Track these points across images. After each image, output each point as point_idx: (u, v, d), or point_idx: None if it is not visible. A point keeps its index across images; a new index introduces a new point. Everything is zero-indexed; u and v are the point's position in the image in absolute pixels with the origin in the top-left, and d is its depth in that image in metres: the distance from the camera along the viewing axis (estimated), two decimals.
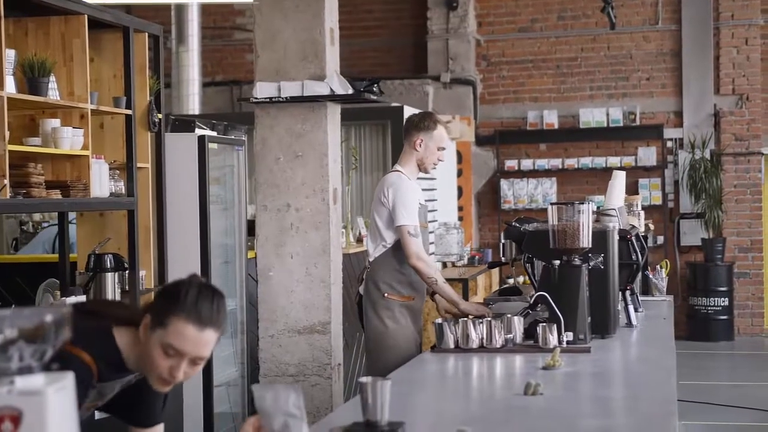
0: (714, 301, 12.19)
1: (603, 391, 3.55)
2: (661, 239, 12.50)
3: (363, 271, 5.49)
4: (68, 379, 1.78)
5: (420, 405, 3.31)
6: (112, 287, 5.37)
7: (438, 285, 5.15)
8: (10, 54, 4.68)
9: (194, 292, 2.58)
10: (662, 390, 3.36)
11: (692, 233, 12.54)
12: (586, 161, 12.69)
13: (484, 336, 4.23)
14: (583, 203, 4.41)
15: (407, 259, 5.12)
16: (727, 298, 12.21)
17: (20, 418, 1.69)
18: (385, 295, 5.22)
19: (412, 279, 5.25)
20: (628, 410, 3.19)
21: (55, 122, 4.99)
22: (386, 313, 5.21)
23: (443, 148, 5.38)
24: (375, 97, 6.08)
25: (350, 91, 5.76)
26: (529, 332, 4.32)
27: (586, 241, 4.37)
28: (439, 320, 4.37)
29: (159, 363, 2.57)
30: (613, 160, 12.53)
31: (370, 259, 5.33)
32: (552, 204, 4.45)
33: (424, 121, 5.35)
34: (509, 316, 4.35)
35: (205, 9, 12.49)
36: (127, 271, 5.54)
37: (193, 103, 10.66)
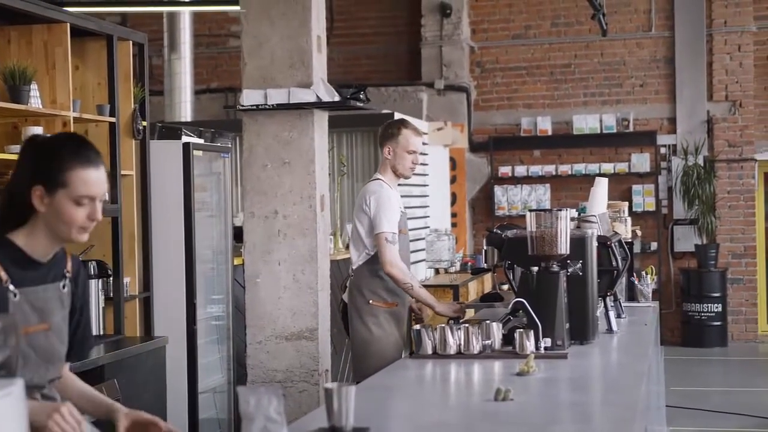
0: (707, 307, 12.19)
1: (572, 396, 3.55)
2: (654, 245, 12.51)
3: (346, 279, 5.52)
4: (16, 385, 1.80)
5: (390, 411, 3.32)
6: (96, 294, 5.38)
7: (414, 290, 5.22)
8: None
9: (71, 144, 2.72)
10: (629, 395, 3.37)
11: (686, 239, 12.54)
12: (580, 167, 12.71)
13: (462, 342, 4.25)
14: (561, 210, 4.42)
15: (382, 266, 5.19)
16: (720, 304, 12.21)
17: None
18: (370, 302, 5.29)
19: (394, 285, 5.29)
20: (593, 415, 3.20)
21: (38, 130, 5.01)
22: (371, 320, 5.26)
23: (413, 152, 5.42)
24: (361, 104, 6.10)
25: (336, 99, 5.79)
26: (509, 338, 4.33)
27: (564, 247, 4.38)
28: (417, 326, 4.39)
29: (75, 217, 2.68)
30: (607, 167, 12.55)
31: (354, 267, 5.39)
32: (530, 211, 4.47)
33: (389, 129, 5.46)
34: (488, 322, 4.36)
35: (199, 17, 12.53)
36: (111, 278, 5.56)
37: (185, 110, 10.68)
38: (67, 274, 2.83)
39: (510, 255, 4.72)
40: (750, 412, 8.58)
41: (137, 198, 5.96)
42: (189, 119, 10.67)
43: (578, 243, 4.53)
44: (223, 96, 13.12)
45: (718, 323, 12.22)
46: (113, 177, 5.63)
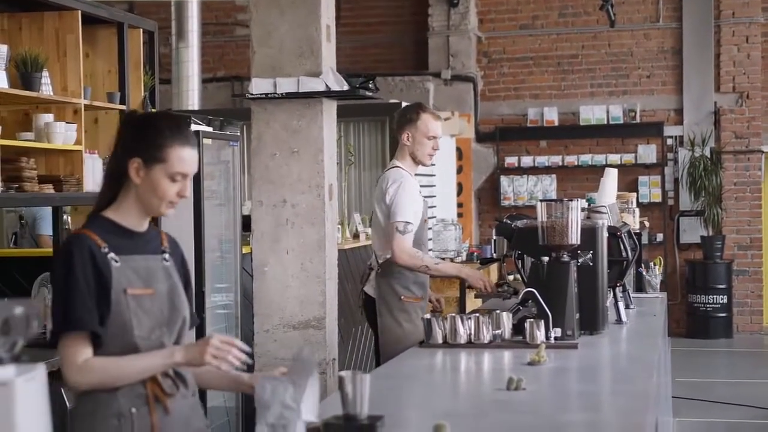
0: (713, 298, 12.20)
1: (584, 386, 3.56)
2: (660, 237, 12.50)
3: (368, 272, 5.35)
4: (38, 370, 1.80)
5: (404, 399, 3.32)
6: None
7: (432, 270, 5.08)
8: (2, 49, 4.72)
9: (172, 122, 2.86)
10: (641, 386, 3.38)
11: (692, 231, 12.54)
12: (586, 158, 12.70)
13: (472, 331, 4.25)
14: (572, 200, 4.42)
15: (392, 258, 5.05)
16: (726, 296, 12.22)
17: None
18: (402, 297, 5.14)
19: (422, 279, 5.19)
20: (606, 405, 3.21)
21: (49, 117, 5.02)
22: (403, 316, 5.12)
23: (433, 137, 5.24)
24: (370, 94, 6.09)
25: (345, 88, 5.78)
26: (519, 328, 4.34)
27: (574, 237, 4.38)
28: (428, 315, 4.39)
29: (168, 192, 2.81)
30: (613, 158, 12.54)
31: (380, 261, 5.21)
32: (541, 201, 4.46)
33: (407, 114, 5.28)
34: (498, 311, 4.37)
35: (207, 5, 12.52)
36: None
37: (192, 98, 10.67)
38: (165, 250, 2.94)
39: (520, 245, 4.72)
40: (755, 403, 8.59)
41: None
42: (196, 108, 10.66)
43: (589, 233, 4.53)
44: (229, 85, 13.13)
45: (724, 315, 12.22)
46: None
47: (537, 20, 13.04)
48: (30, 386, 1.76)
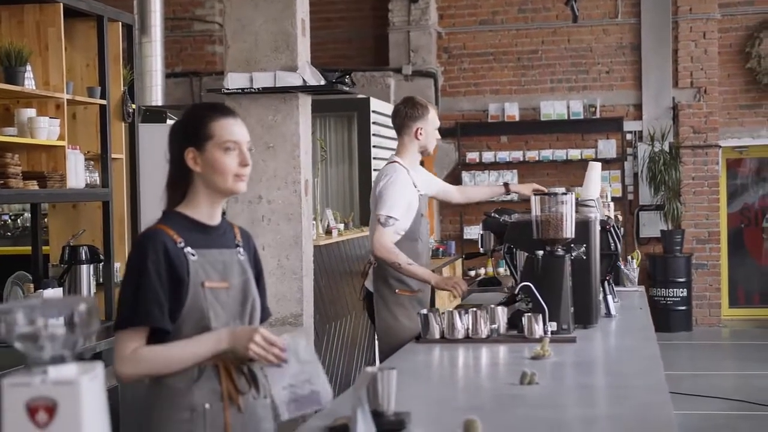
0: (673, 291, 12.32)
1: (594, 380, 3.57)
2: (621, 231, 12.58)
3: (366, 265, 5.30)
4: (99, 368, 1.76)
5: (418, 396, 3.29)
6: (87, 279, 5.30)
7: (402, 268, 5.03)
8: None
9: (202, 105, 2.97)
10: (653, 379, 3.39)
11: (651, 225, 12.66)
12: (547, 153, 12.76)
13: (470, 326, 4.23)
14: (566, 194, 4.42)
15: (371, 248, 5.06)
16: (685, 289, 12.35)
17: (55, 408, 1.67)
18: (396, 291, 5.12)
19: None
20: (623, 399, 3.19)
21: (31, 112, 4.92)
22: (399, 310, 5.09)
23: (438, 127, 5.40)
24: (347, 89, 6.07)
25: (322, 82, 5.74)
26: (512, 322, 4.33)
27: (569, 231, 4.39)
28: (425, 311, 4.37)
29: (227, 164, 2.82)
30: (574, 153, 12.62)
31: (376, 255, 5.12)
32: (535, 194, 4.46)
33: (417, 110, 5.27)
34: (493, 306, 4.36)
35: (164, 0, 12.36)
36: (102, 263, 5.48)
37: (156, 94, 10.53)
38: (239, 243, 2.94)
39: (512, 239, 4.71)
40: (718, 394, 8.69)
41: (127, 182, 5.88)
42: (160, 103, 10.54)
43: (582, 227, 4.54)
44: (188, 80, 12.98)
45: (683, 308, 12.36)
46: (104, 161, 5.54)
47: (497, 16, 13.07)
48: (93, 384, 1.72)
